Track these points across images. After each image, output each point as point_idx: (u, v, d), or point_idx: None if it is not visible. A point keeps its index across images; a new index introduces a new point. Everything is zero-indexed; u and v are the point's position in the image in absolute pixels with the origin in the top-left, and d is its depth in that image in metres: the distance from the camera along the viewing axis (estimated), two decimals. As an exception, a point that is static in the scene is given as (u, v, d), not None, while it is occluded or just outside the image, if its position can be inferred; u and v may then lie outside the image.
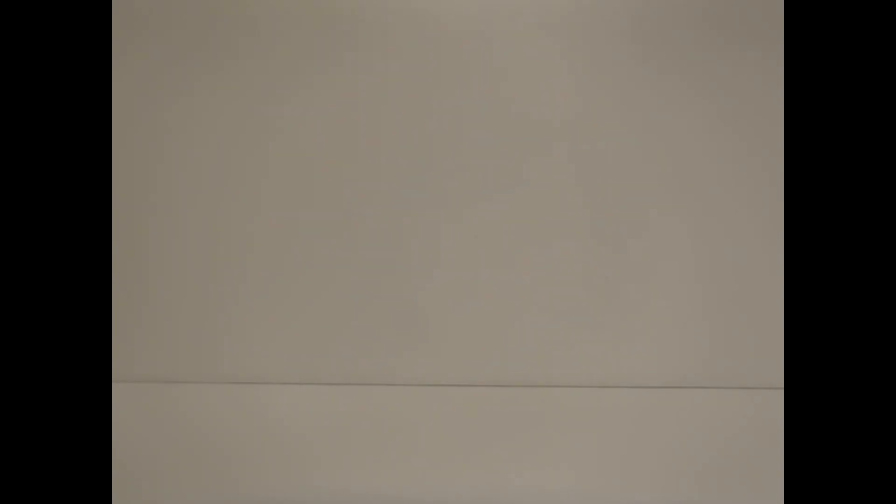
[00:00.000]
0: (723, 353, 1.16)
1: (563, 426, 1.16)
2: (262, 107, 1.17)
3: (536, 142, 1.16)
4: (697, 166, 1.16)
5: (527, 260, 1.16)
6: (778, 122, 1.15)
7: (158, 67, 1.17)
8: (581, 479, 1.15)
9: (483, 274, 1.17)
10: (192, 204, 1.18)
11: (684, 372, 1.16)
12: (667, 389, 1.16)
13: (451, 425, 1.16)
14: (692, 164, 1.16)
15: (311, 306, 1.17)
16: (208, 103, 1.17)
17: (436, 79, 1.16)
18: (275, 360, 1.18)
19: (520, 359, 1.17)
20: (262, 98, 1.17)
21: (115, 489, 1.13)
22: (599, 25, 1.15)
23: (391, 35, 1.16)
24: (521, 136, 1.16)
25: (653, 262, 1.16)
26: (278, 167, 1.17)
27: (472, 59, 1.16)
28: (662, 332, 1.16)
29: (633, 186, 1.16)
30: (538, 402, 1.16)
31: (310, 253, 1.17)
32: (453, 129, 1.16)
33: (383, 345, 1.17)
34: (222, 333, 1.18)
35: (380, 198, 1.17)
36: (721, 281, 1.16)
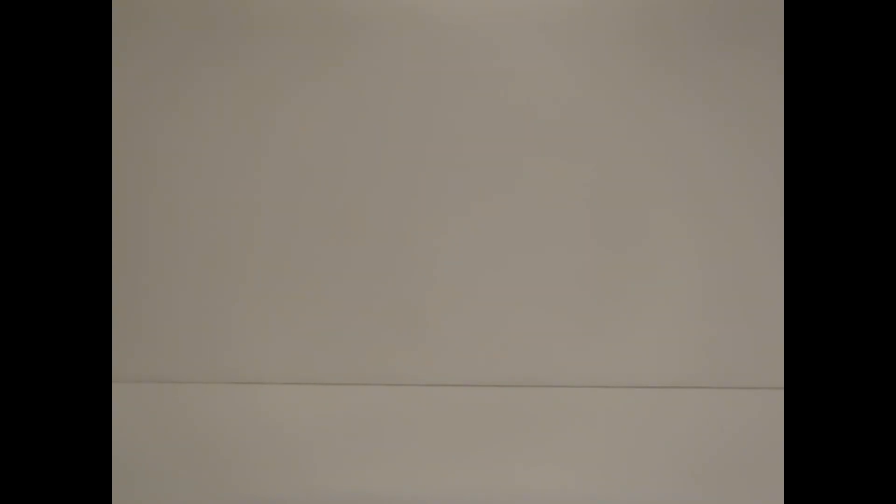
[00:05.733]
0: (723, 353, 1.16)
1: (563, 426, 1.16)
2: (262, 107, 1.17)
3: (537, 142, 1.16)
4: (698, 166, 1.16)
5: (527, 260, 1.16)
6: (778, 121, 1.15)
7: (158, 67, 1.17)
8: (581, 479, 1.15)
9: (483, 274, 1.17)
10: (192, 204, 1.18)
11: (684, 372, 1.16)
12: (667, 389, 1.16)
13: (451, 425, 1.16)
14: (693, 165, 1.16)
15: (310, 306, 1.17)
16: (208, 103, 1.17)
17: (436, 79, 1.16)
18: (275, 360, 1.18)
19: (520, 359, 1.17)
20: (262, 98, 1.17)
21: (115, 489, 1.13)
22: (600, 26, 1.15)
23: (391, 36, 1.16)
24: (522, 137, 1.16)
25: (653, 263, 1.16)
26: (278, 167, 1.17)
27: (472, 59, 1.16)
28: (663, 332, 1.16)
29: (634, 186, 1.16)
30: (538, 402, 1.16)
31: (309, 253, 1.17)
32: (454, 129, 1.16)
33: (383, 345, 1.17)
34: (222, 333, 1.18)
35: (380, 198, 1.17)
36: (721, 281, 1.16)
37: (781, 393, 1.13)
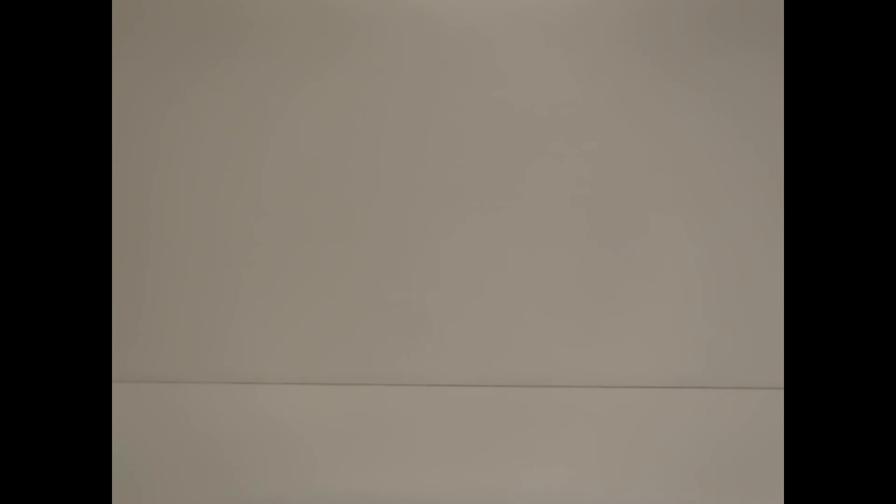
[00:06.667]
0: (723, 353, 1.16)
1: (563, 426, 1.16)
2: (262, 107, 1.17)
3: (537, 142, 1.16)
4: (698, 166, 1.16)
5: (528, 260, 1.16)
6: (778, 122, 1.15)
7: (158, 67, 1.17)
8: (581, 479, 1.15)
9: (485, 274, 1.17)
10: (192, 204, 1.18)
11: (684, 372, 1.16)
12: (667, 389, 1.16)
13: (452, 425, 1.16)
14: (693, 165, 1.16)
15: (311, 306, 1.17)
16: (208, 103, 1.17)
17: (436, 79, 1.16)
18: (275, 360, 1.18)
19: (520, 359, 1.17)
20: (263, 98, 1.17)
21: (115, 489, 1.13)
22: (600, 26, 1.15)
23: (391, 35, 1.16)
24: (523, 137, 1.16)
25: (653, 263, 1.16)
26: (279, 167, 1.17)
27: (472, 59, 1.16)
28: (662, 333, 1.16)
29: (634, 187, 1.16)
30: (538, 402, 1.16)
31: (310, 253, 1.17)
32: (455, 129, 1.16)
33: (384, 345, 1.17)
34: (222, 333, 1.18)
35: (380, 198, 1.17)
36: (721, 281, 1.16)
37: (781, 393, 1.13)
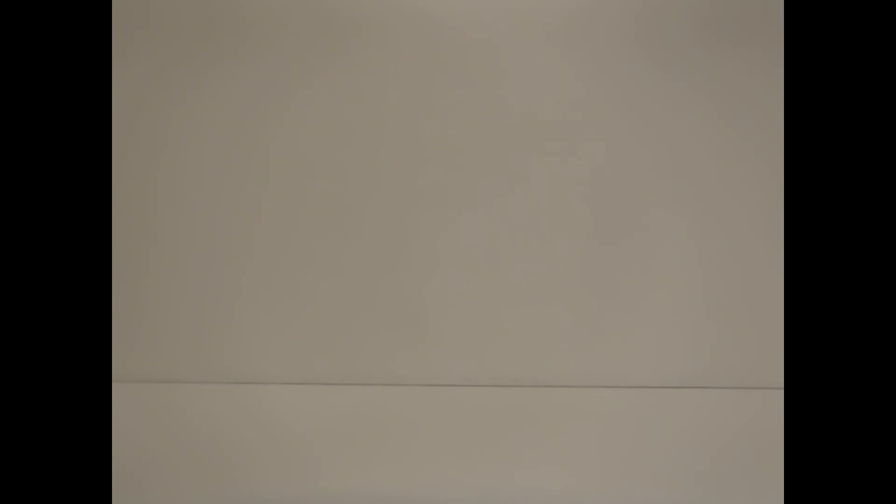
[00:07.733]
0: (723, 353, 1.16)
1: (563, 426, 1.16)
2: (262, 107, 1.17)
3: (536, 142, 1.16)
4: (698, 166, 1.16)
5: (527, 260, 1.16)
6: (778, 122, 1.15)
7: (158, 67, 1.17)
8: (581, 479, 1.15)
9: (484, 273, 1.17)
10: (192, 204, 1.18)
11: (684, 372, 1.16)
12: (667, 389, 1.16)
13: (451, 425, 1.16)
14: (692, 164, 1.16)
15: (311, 306, 1.17)
16: (208, 103, 1.17)
17: (436, 78, 1.16)
18: (275, 360, 1.18)
19: (520, 359, 1.17)
20: (263, 98, 1.17)
21: (115, 489, 1.13)
22: (600, 25, 1.15)
23: (391, 35, 1.16)
24: (521, 136, 1.16)
25: (653, 263, 1.16)
26: (279, 167, 1.17)
27: (472, 59, 1.16)
28: (662, 333, 1.16)
29: (634, 186, 1.16)
30: (538, 402, 1.16)
31: (310, 253, 1.17)
32: (453, 128, 1.16)
33: (383, 345, 1.17)
34: (222, 333, 1.18)
35: (380, 198, 1.17)
36: (721, 281, 1.16)
37: (781, 393, 1.13)
